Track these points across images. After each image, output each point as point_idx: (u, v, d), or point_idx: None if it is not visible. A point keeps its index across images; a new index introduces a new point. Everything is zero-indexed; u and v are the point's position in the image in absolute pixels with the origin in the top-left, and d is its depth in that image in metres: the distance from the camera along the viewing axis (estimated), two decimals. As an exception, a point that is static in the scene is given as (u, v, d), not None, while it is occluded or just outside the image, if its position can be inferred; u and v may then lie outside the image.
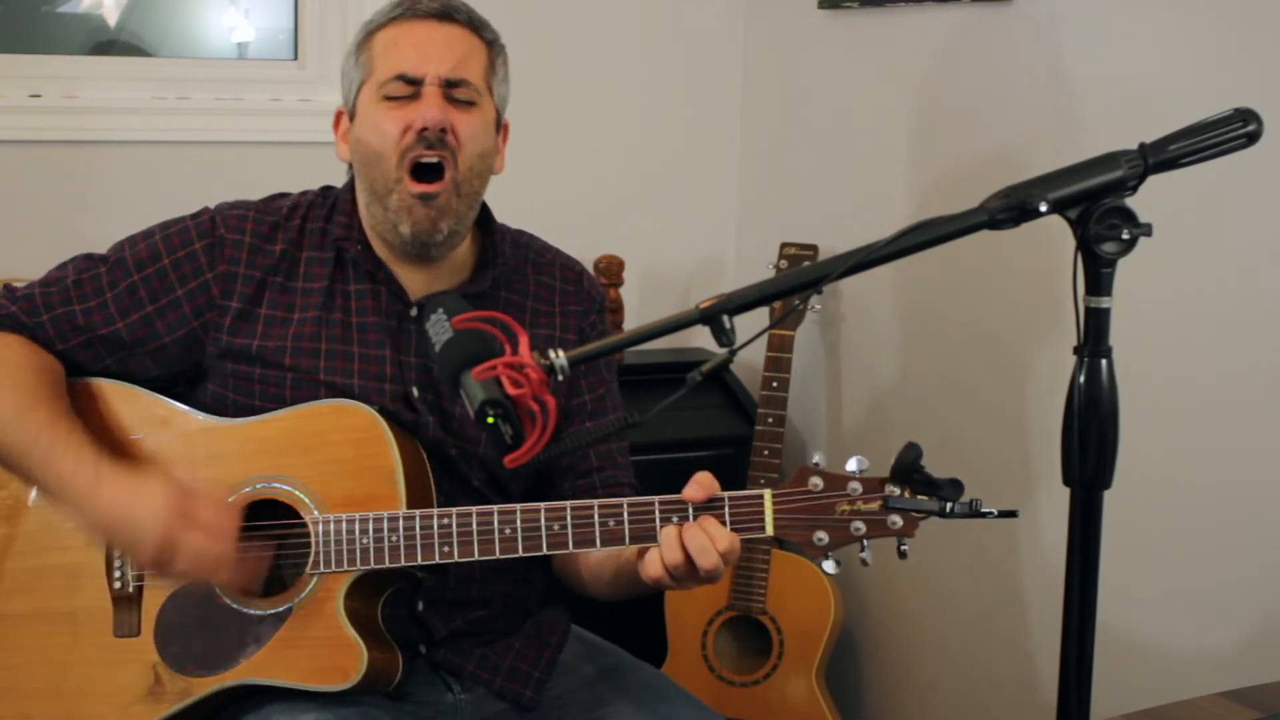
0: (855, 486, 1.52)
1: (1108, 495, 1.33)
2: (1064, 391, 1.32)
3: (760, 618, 2.65)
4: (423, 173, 1.74)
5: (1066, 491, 1.33)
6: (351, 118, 1.81)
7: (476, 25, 1.80)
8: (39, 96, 2.65)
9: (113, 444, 1.76)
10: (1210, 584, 2.13)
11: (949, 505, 1.49)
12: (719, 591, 2.66)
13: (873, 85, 2.80)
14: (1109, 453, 1.31)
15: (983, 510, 1.48)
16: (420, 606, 1.79)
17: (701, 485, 1.55)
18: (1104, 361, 1.30)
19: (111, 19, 2.76)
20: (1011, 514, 1.49)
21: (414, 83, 1.73)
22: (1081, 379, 1.30)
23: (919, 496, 1.50)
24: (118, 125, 2.68)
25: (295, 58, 2.88)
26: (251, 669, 1.67)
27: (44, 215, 2.63)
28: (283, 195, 1.89)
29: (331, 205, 1.85)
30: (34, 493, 1.76)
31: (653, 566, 1.54)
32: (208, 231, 1.80)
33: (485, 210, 1.87)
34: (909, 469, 1.49)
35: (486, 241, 1.87)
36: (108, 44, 2.76)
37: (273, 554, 1.68)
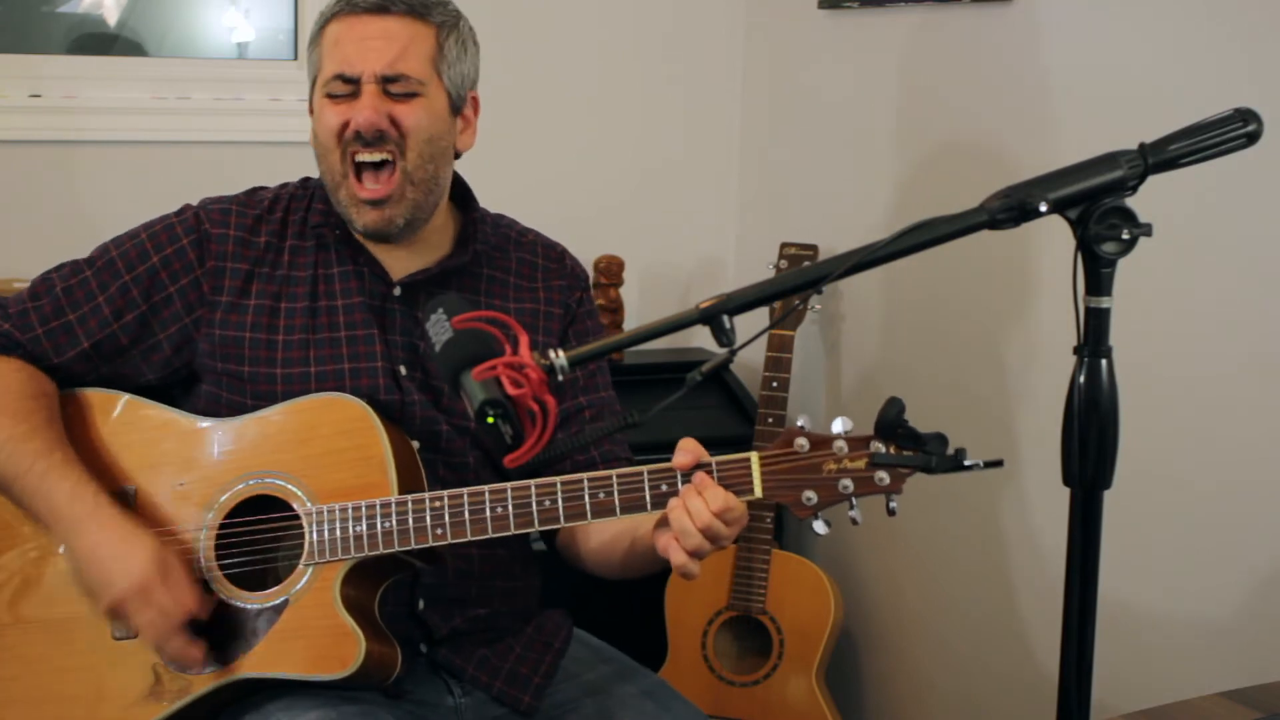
0: (841, 445, 1.52)
1: (1108, 495, 1.33)
2: (1064, 392, 1.32)
3: (760, 618, 2.65)
4: (368, 168, 1.76)
5: (1066, 491, 1.33)
6: (311, 109, 1.84)
7: (420, 11, 1.78)
8: (39, 96, 2.65)
9: (106, 451, 1.77)
10: (1210, 583, 2.13)
11: (934, 459, 1.48)
12: (719, 592, 2.66)
13: (873, 85, 2.80)
14: (1109, 453, 1.31)
15: (967, 463, 1.47)
16: (420, 605, 1.79)
17: (688, 451, 1.55)
18: (1104, 361, 1.30)
19: (111, 19, 2.76)
20: (997, 463, 1.48)
21: (351, 81, 1.75)
22: (1081, 379, 1.30)
23: (904, 452, 1.50)
24: (118, 125, 2.68)
25: (295, 58, 2.88)
26: (250, 663, 1.67)
27: (44, 215, 2.63)
28: (262, 188, 1.90)
29: (311, 195, 1.87)
30: None
31: (675, 554, 1.53)
32: (194, 228, 1.81)
33: (465, 189, 1.89)
34: (893, 424, 1.49)
35: (466, 219, 1.88)
36: (108, 44, 2.76)
37: (204, 652, 1.68)
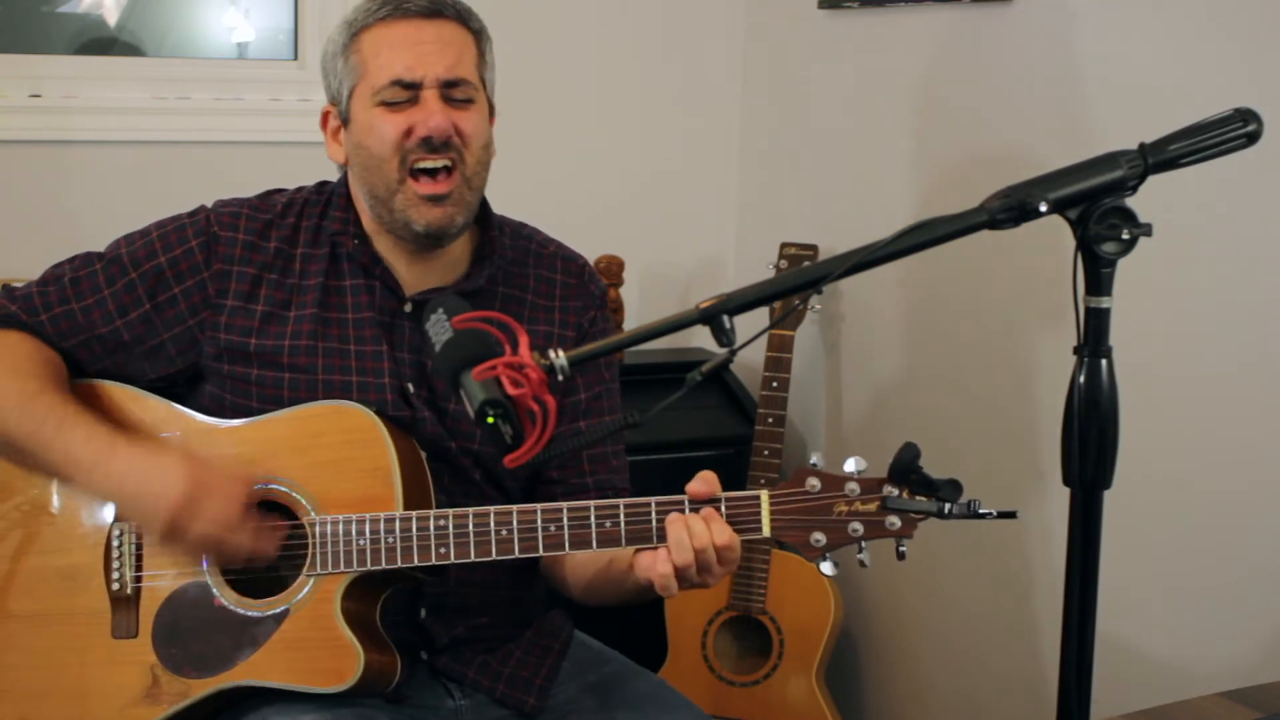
0: (853, 487, 1.52)
1: (1108, 495, 1.33)
2: (1064, 392, 1.32)
3: (760, 618, 2.65)
4: (427, 174, 1.73)
5: (1066, 492, 1.33)
6: (345, 122, 1.79)
7: (464, 16, 1.77)
8: (39, 96, 2.65)
9: None
10: (1210, 584, 2.13)
11: (947, 506, 1.48)
12: (719, 592, 2.66)
13: (873, 85, 2.80)
14: (1109, 453, 1.31)
15: (981, 511, 1.47)
16: (423, 614, 1.78)
17: (705, 481, 1.55)
18: (1104, 361, 1.30)
19: (111, 19, 2.76)
20: (1010, 514, 1.48)
21: (411, 87, 1.71)
22: (1081, 379, 1.30)
23: (917, 497, 1.49)
24: (118, 125, 2.68)
25: (295, 58, 2.88)
26: (249, 670, 1.66)
27: (44, 215, 2.63)
28: (278, 191, 1.87)
29: (326, 201, 1.84)
30: (55, 499, 1.75)
31: (662, 564, 1.53)
32: (203, 229, 1.79)
33: (482, 200, 1.86)
34: (907, 469, 1.48)
35: (484, 236, 1.85)
36: (107, 44, 2.76)
37: (284, 533, 1.66)
